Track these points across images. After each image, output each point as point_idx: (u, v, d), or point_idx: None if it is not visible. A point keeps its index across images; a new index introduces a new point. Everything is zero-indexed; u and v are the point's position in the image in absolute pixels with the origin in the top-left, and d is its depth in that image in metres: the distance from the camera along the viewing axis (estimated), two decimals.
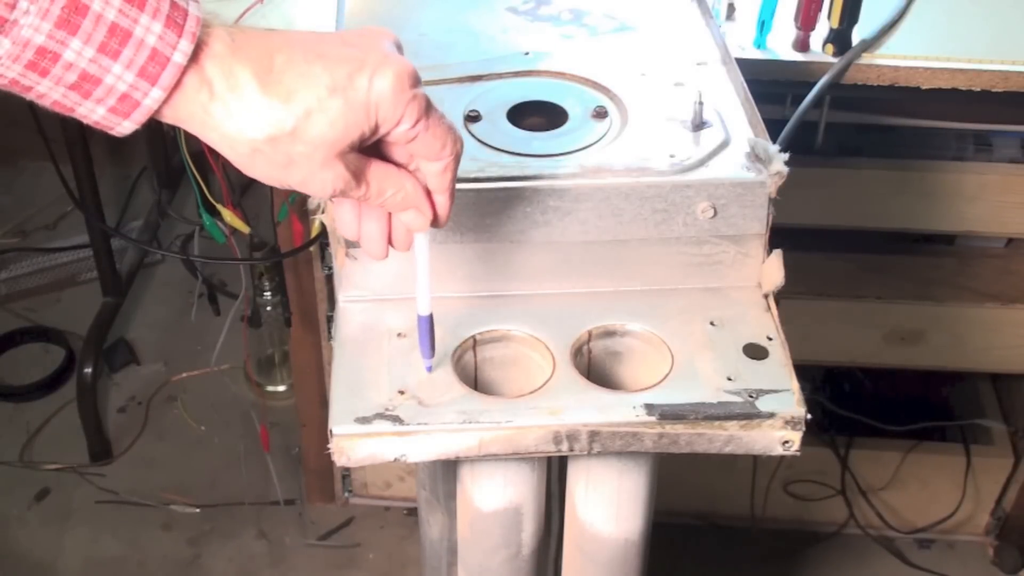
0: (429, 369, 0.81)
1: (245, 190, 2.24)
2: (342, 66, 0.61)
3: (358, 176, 0.65)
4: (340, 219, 0.72)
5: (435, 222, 0.71)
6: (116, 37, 0.57)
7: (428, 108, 0.65)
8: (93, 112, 0.60)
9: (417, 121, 0.64)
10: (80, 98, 0.59)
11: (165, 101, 0.60)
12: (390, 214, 0.71)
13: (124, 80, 0.58)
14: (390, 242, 0.73)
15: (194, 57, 0.59)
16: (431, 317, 0.79)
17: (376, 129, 0.63)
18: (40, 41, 0.56)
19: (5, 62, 0.56)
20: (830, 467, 1.80)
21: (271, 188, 1.44)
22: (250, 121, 0.60)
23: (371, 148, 0.66)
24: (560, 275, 0.88)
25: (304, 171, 0.63)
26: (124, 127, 0.61)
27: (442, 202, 0.70)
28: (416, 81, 0.64)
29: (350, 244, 0.84)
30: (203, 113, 0.60)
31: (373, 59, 0.62)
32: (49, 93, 0.59)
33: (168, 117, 0.61)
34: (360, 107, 0.62)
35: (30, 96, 0.59)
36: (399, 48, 0.65)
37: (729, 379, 0.81)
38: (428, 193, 0.69)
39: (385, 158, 0.67)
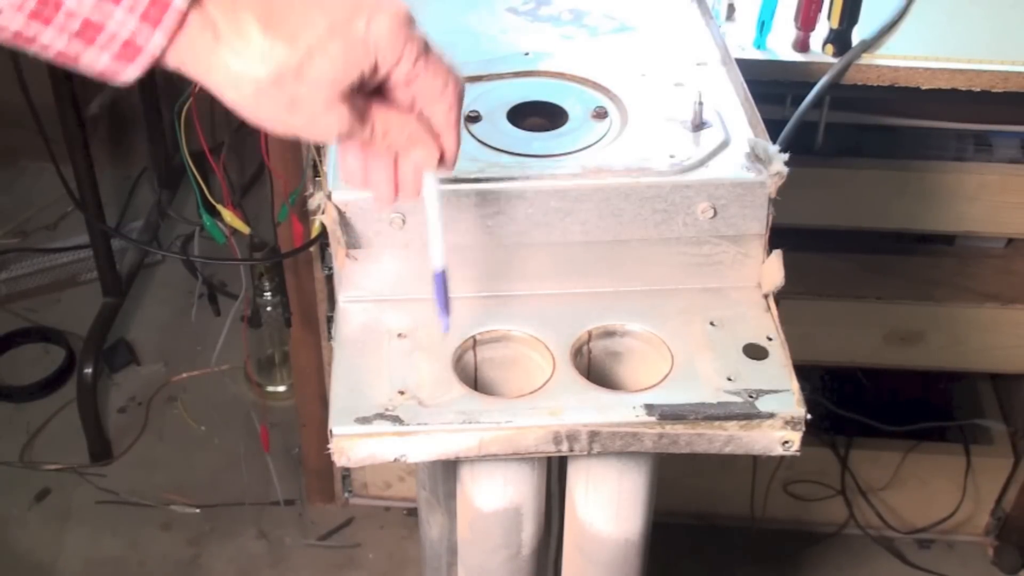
0: (446, 329, 0.80)
1: (245, 190, 2.25)
2: (339, 9, 0.62)
3: (362, 117, 0.66)
4: (346, 167, 0.72)
5: (443, 163, 0.71)
6: None
7: (426, 48, 0.65)
8: (97, 60, 0.61)
9: (416, 60, 0.65)
10: (83, 45, 0.60)
11: (168, 45, 0.60)
12: (396, 162, 0.72)
13: (127, 26, 0.59)
14: (398, 190, 0.73)
15: (196, 0, 0.60)
16: (445, 272, 0.78)
17: (376, 69, 0.64)
18: None
19: (8, 13, 0.57)
20: (830, 467, 1.80)
21: (271, 189, 1.44)
22: (255, 61, 0.61)
23: (375, 95, 0.67)
24: (560, 275, 0.88)
25: (308, 112, 0.64)
26: (128, 73, 0.61)
27: (449, 142, 0.70)
28: (412, 23, 0.64)
29: (350, 244, 0.85)
30: (208, 55, 0.61)
31: (369, 2, 0.63)
32: (53, 43, 0.59)
33: (172, 61, 0.62)
34: (359, 46, 0.63)
35: (33, 48, 0.60)
36: None
37: (729, 379, 0.81)
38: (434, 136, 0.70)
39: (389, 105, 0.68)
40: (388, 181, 0.72)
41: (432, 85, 0.67)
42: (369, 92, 0.66)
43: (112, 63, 0.60)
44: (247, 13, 0.61)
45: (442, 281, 0.78)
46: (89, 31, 0.59)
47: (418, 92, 0.67)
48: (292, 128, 0.65)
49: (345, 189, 0.83)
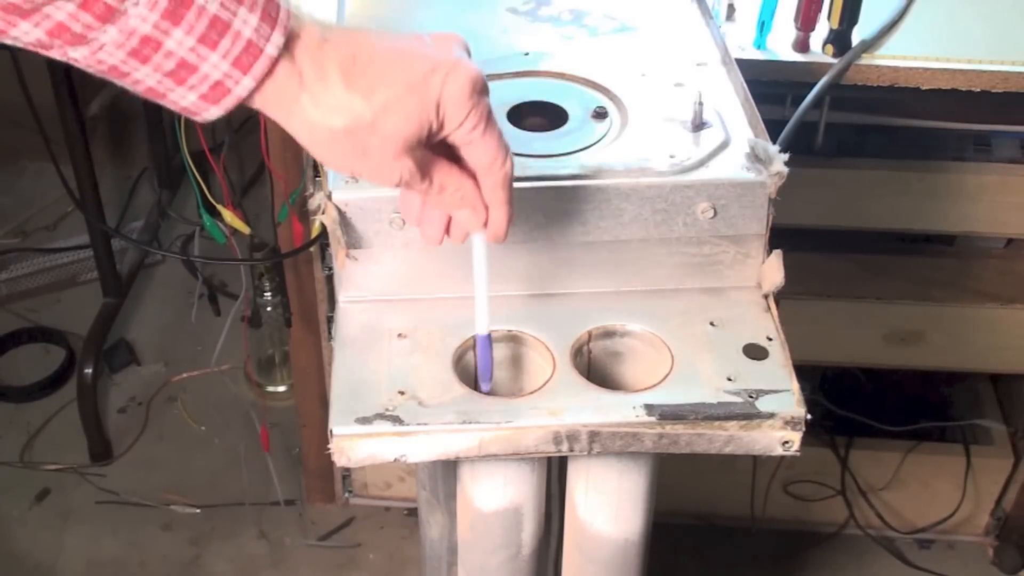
0: (488, 391, 0.81)
1: (245, 191, 2.25)
2: (418, 66, 0.65)
3: (424, 170, 0.68)
4: (405, 203, 0.75)
5: (491, 236, 0.74)
6: (216, 28, 0.60)
7: (489, 118, 0.69)
8: (184, 98, 0.63)
9: (476, 126, 0.68)
10: (174, 84, 0.62)
11: (255, 89, 0.63)
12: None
13: (219, 69, 0.61)
14: (447, 233, 0.76)
15: (287, 48, 0.62)
16: (489, 337, 0.80)
17: (441, 127, 0.67)
18: (146, 31, 0.59)
19: (109, 49, 0.59)
20: (830, 467, 1.80)
21: (271, 189, 1.44)
22: (333, 111, 0.64)
23: (441, 151, 0.70)
24: (560, 275, 0.88)
25: (376, 162, 0.67)
26: (211, 113, 0.64)
27: (496, 217, 0.73)
28: (484, 88, 0.68)
29: (351, 244, 0.85)
30: (291, 101, 0.64)
31: (446, 62, 0.66)
32: (145, 79, 0.61)
33: (256, 103, 0.64)
34: (432, 105, 0.66)
35: (125, 82, 0.62)
36: (468, 53, 0.70)
37: (729, 379, 0.81)
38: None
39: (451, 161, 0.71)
40: (439, 228, 0.75)
41: (483, 156, 0.70)
42: (435, 148, 0.69)
43: (198, 102, 0.63)
44: (332, 64, 0.63)
45: (486, 345, 0.80)
46: (182, 71, 0.61)
47: (470, 157, 0.70)
48: (358, 172, 0.68)
49: (345, 189, 0.83)
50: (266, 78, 0.62)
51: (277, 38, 0.61)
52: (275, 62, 0.62)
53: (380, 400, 0.79)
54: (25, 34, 0.58)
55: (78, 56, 0.60)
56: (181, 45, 0.60)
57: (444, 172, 0.70)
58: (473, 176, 0.71)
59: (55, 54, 0.60)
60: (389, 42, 0.66)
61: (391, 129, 0.65)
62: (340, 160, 0.67)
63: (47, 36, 0.58)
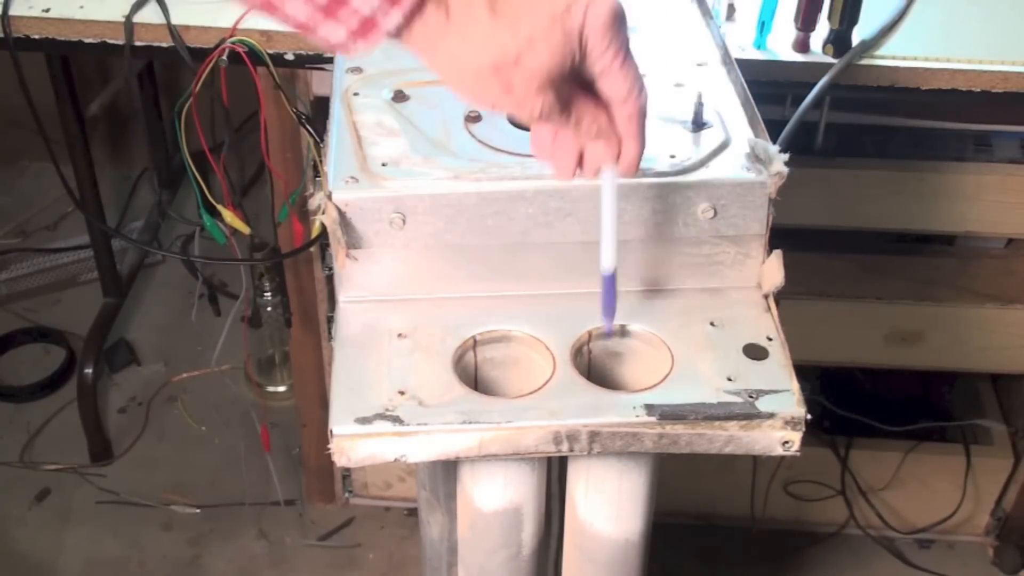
0: (609, 331, 0.82)
1: (246, 191, 2.25)
2: None
3: (565, 104, 0.68)
4: (537, 137, 0.75)
5: (624, 167, 0.74)
6: None
7: (627, 49, 0.68)
8: (333, 33, 0.63)
9: (616, 57, 0.68)
10: (323, 18, 0.62)
11: (403, 24, 0.63)
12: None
13: (369, 3, 0.61)
14: (579, 167, 0.76)
15: None
16: (615, 275, 0.80)
17: (583, 58, 0.67)
18: None
19: None
20: (830, 467, 1.80)
21: (271, 189, 1.44)
22: (480, 46, 0.64)
23: (577, 83, 0.69)
24: (560, 275, 0.88)
25: (519, 95, 0.66)
26: (358, 48, 0.64)
27: (629, 148, 0.73)
28: (624, 18, 0.67)
29: (351, 244, 0.85)
30: (436, 37, 0.64)
31: None
32: (296, 13, 0.62)
33: (403, 39, 0.64)
34: (575, 36, 0.65)
35: (276, 16, 0.62)
36: None
37: (729, 379, 0.81)
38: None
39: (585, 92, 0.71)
40: (571, 161, 0.75)
41: (620, 87, 0.70)
42: (573, 80, 0.68)
43: (346, 38, 0.63)
44: None
45: (612, 283, 0.80)
46: (333, 5, 0.61)
47: (607, 89, 0.70)
48: (500, 106, 0.68)
49: (345, 189, 0.83)
50: (415, 13, 0.62)
51: None
52: None
53: (380, 400, 0.79)
54: None
55: None
56: None
57: (581, 104, 0.70)
58: (606, 108, 0.71)
59: None
60: None
61: (536, 63, 0.65)
62: (484, 95, 0.67)
63: None
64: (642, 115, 0.72)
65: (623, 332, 0.86)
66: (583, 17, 0.65)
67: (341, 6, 0.61)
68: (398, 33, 0.63)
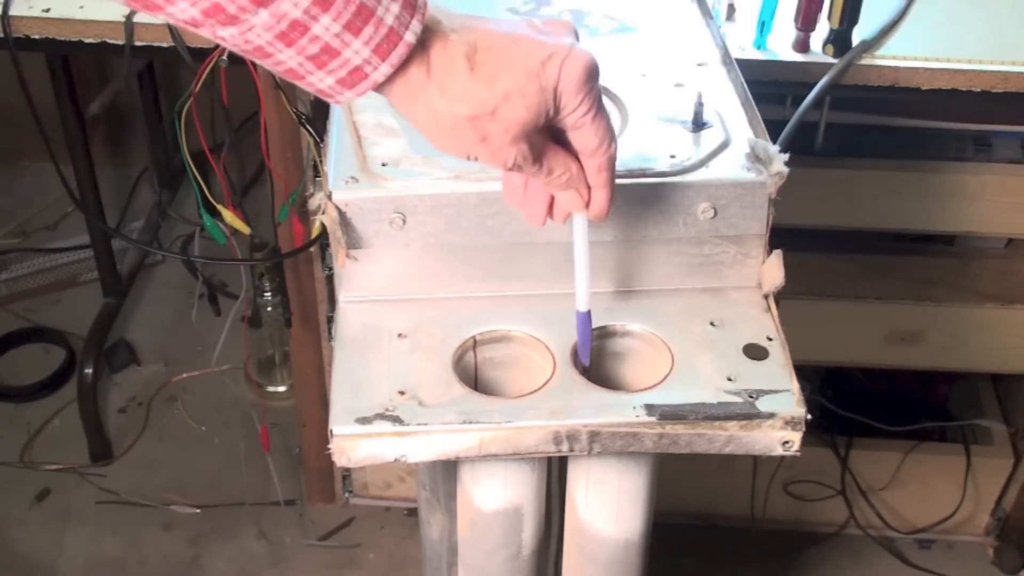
0: (586, 367, 0.82)
1: (246, 191, 2.25)
2: (536, 53, 0.67)
3: (537, 154, 0.70)
4: (508, 184, 0.77)
5: (593, 214, 0.76)
6: (361, 15, 0.61)
7: (599, 103, 0.70)
8: (321, 81, 0.64)
9: (588, 111, 0.69)
10: (314, 68, 0.63)
11: (393, 76, 0.64)
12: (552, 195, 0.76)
13: (360, 55, 0.63)
14: (550, 214, 0.77)
15: (420, 39, 0.64)
16: (589, 314, 0.81)
17: (557, 112, 0.68)
18: (296, 15, 0.60)
19: (258, 30, 0.61)
20: (830, 467, 1.80)
21: (271, 189, 1.44)
22: (458, 99, 0.65)
23: (545, 133, 0.71)
24: (560, 275, 0.88)
25: (494, 147, 0.68)
26: (345, 96, 0.65)
27: (598, 197, 0.75)
28: (596, 73, 0.69)
29: (351, 244, 0.85)
30: (417, 89, 0.65)
31: (562, 48, 0.67)
32: (287, 61, 0.63)
33: (384, 90, 0.66)
34: (549, 91, 0.67)
35: (266, 63, 0.63)
36: (577, 38, 0.70)
37: (729, 379, 0.81)
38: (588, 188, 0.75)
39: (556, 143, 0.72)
40: (541, 208, 0.77)
41: (591, 140, 0.71)
42: (546, 132, 0.70)
43: (334, 86, 0.64)
44: (458, 54, 0.65)
45: (586, 322, 0.81)
46: (324, 56, 0.62)
47: (577, 142, 0.71)
48: (474, 156, 0.69)
49: (345, 189, 0.83)
50: (403, 68, 0.64)
51: (416, 26, 0.63)
52: (411, 49, 0.63)
53: (380, 400, 0.79)
54: (181, 12, 0.60)
55: (226, 35, 0.61)
56: (327, 31, 0.61)
57: (551, 154, 0.71)
58: (577, 158, 0.72)
59: (204, 32, 0.62)
60: (506, 29, 0.67)
61: (511, 116, 0.66)
62: (459, 146, 0.69)
63: (202, 15, 0.60)
64: (611, 165, 0.73)
65: (623, 333, 0.86)
66: (558, 74, 0.67)
67: (332, 57, 0.62)
68: (382, 86, 0.65)
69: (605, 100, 0.94)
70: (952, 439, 1.83)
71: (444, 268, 0.86)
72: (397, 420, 0.77)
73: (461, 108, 0.66)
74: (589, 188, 0.74)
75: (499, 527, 0.92)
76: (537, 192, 0.76)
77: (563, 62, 0.67)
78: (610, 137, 0.72)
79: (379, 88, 0.65)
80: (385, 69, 0.63)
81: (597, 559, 0.95)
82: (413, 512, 1.85)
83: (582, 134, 0.71)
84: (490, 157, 0.69)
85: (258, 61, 0.64)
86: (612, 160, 0.73)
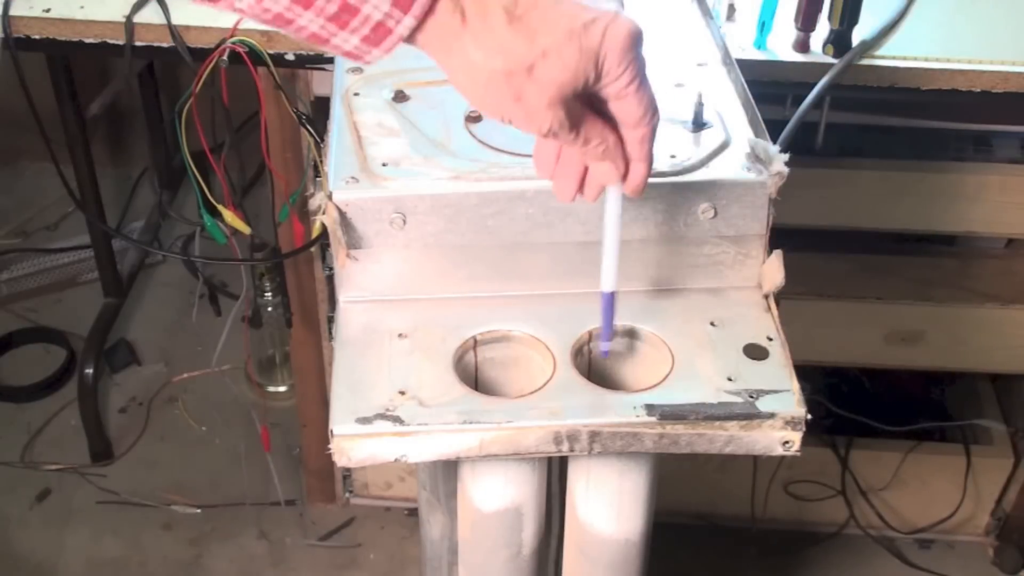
0: (605, 354, 0.81)
1: (246, 191, 2.24)
2: (580, 15, 0.64)
3: (574, 121, 0.68)
4: (540, 155, 0.75)
5: (630, 188, 0.73)
6: None
7: (643, 73, 0.68)
8: (346, 42, 0.63)
9: (632, 81, 0.67)
10: (337, 29, 0.63)
11: (416, 28, 0.63)
12: (586, 167, 0.74)
13: (380, 9, 0.62)
14: (580, 190, 0.75)
15: None
16: (614, 295, 0.79)
17: (598, 79, 0.66)
18: None
19: None
20: (830, 467, 1.80)
21: (271, 189, 1.44)
22: (494, 52, 0.64)
23: (587, 103, 0.69)
24: (560, 275, 0.88)
25: (529, 108, 0.66)
26: (374, 55, 0.64)
27: (637, 170, 0.72)
28: (641, 42, 0.67)
29: (351, 244, 0.85)
30: (452, 38, 0.64)
31: (607, 13, 0.65)
32: (308, 25, 0.62)
33: (418, 42, 0.64)
34: (591, 55, 0.65)
35: (288, 29, 0.63)
36: (623, 6, 0.68)
37: (729, 379, 0.81)
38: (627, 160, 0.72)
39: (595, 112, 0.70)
40: (573, 181, 0.74)
41: (634, 110, 0.69)
42: (584, 99, 0.68)
43: (360, 45, 0.63)
44: (496, 4, 0.63)
45: (610, 303, 0.79)
46: (344, 15, 0.62)
47: (619, 112, 0.69)
48: (509, 117, 0.67)
49: (346, 189, 0.83)
50: (427, 16, 0.62)
51: None
52: (435, 0, 0.62)
53: (380, 400, 0.79)
54: None
55: (244, 7, 0.61)
56: None
57: (591, 123, 0.69)
58: (614, 129, 0.70)
59: (222, 6, 0.61)
60: None
61: (549, 76, 0.64)
62: (494, 103, 0.66)
63: None
64: (653, 138, 0.71)
65: (623, 333, 0.86)
66: (601, 37, 0.64)
67: (352, 15, 0.62)
68: (412, 37, 0.63)
69: None
70: (952, 439, 1.83)
71: (444, 268, 0.86)
72: (397, 420, 0.77)
73: (496, 62, 0.63)
74: (626, 161, 0.72)
75: (499, 527, 0.93)
76: (570, 164, 0.73)
77: (607, 27, 0.64)
78: (654, 108, 0.69)
79: (411, 40, 0.63)
80: (409, 21, 0.62)
81: (597, 559, 0.95)
82: (414, 512, 1.85)
83: (625, 104, 0.68)
84: (525, 120, 0.67)
85: (281, 30, 0.63)
86: (654, 132, 0.71)
